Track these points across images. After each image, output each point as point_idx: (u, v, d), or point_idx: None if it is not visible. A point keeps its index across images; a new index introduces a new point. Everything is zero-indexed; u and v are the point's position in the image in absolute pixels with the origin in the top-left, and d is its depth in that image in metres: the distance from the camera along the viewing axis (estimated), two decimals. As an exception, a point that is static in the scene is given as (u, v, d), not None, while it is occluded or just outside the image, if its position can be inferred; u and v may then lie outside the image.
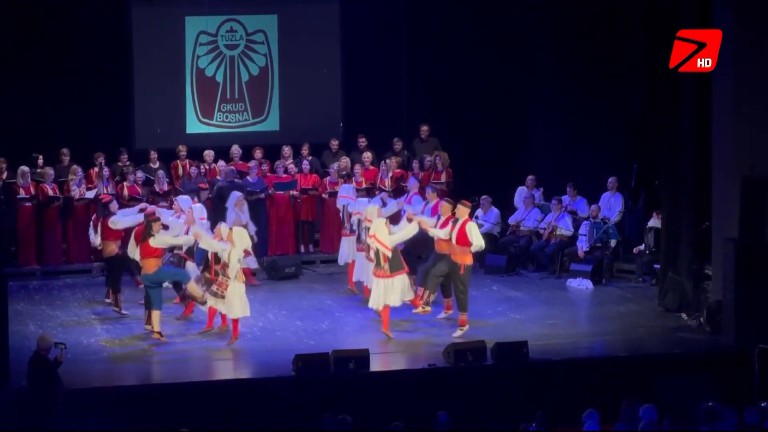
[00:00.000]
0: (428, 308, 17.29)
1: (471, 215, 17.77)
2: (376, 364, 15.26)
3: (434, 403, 14.14)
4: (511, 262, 20.64)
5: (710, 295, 17.29)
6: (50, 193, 20.31)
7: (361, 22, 22.66)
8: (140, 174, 20.97)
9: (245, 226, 18.32)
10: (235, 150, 21.64)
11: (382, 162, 21.66)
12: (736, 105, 16.83)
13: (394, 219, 17.94)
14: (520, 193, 21.48)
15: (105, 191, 20.36)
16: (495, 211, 21.06)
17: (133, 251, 16.80)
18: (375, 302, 16.81)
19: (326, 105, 22.88)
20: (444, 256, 17.03)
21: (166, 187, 20.90)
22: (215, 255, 16.36)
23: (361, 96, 22.71)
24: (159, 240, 16.56)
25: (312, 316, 17.85)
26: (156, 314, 16.43)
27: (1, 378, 14.47)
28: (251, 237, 18.37)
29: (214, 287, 16.29)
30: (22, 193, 20.16)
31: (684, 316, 17.66)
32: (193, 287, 16.63)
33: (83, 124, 21.33)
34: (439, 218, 17.28)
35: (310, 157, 21.92)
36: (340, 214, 19.41)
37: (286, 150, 21.85)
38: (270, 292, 19.31)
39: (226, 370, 15.89)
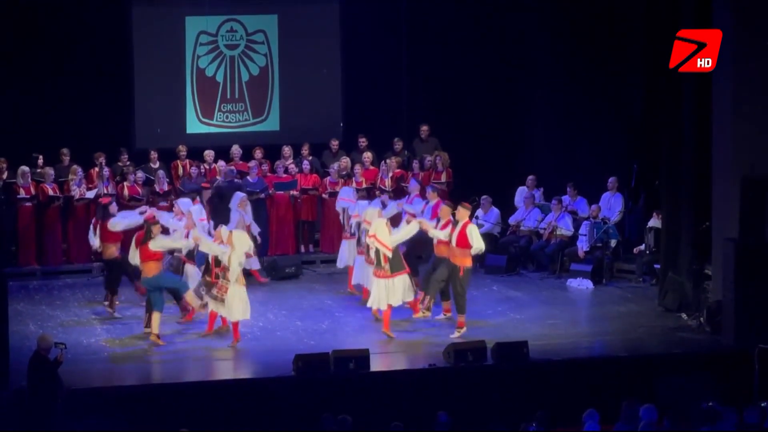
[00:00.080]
0: (428, 313, 17.34)
1: (471, 215, 17.78)
2: (376, 364, 15.25)
3: (434, 403, 14.13)
4: (512, 262, 20.63)
5: (710, 295, 17.28)
6: (50, 193, 20.30)
7: (361, 22, 22.65)
8: (140, 174, 20.95)
9: (249, 227, 18.32)
10: (236, 150, 21.62)
11: (383, 162, 21.65)
12: (736, 105, 16.83)
13: (395, 221, 17.91)
14: (521, 193, 21.47)
15: (105, 191, 20.36)
16: (495, 211, 21.05)
17: (134, 256, 16.75)
18: (375, 302, 16.80)
19: (326, 105, 22.87)
20: (443, 260, 17.01)
21: (166, 187, 20.89)
22: (215, 258, 16.34)
23: (361, 96, 22.69)
24: (158, 243, 16.54)
25: (312, 316, 17.85)
26: (156, 316, 16.40)
27: (1, 378, 14.46)
28: (255, 237, 18.39)
29: (215, 290, 16.25)
30: (22, 193, 20.14)
31: (684, 316, 17.65)
32: (191, 297, 16.62)
33: (83, 124, 21.31)
34: (438, 221, 17.26)
35: (310, 157, 21.90)
36: (340, 217, 19.39)
37: (287, 150, 21.83)
38: (270, 292, 19.28)
39: (226, 370, 15.87)
